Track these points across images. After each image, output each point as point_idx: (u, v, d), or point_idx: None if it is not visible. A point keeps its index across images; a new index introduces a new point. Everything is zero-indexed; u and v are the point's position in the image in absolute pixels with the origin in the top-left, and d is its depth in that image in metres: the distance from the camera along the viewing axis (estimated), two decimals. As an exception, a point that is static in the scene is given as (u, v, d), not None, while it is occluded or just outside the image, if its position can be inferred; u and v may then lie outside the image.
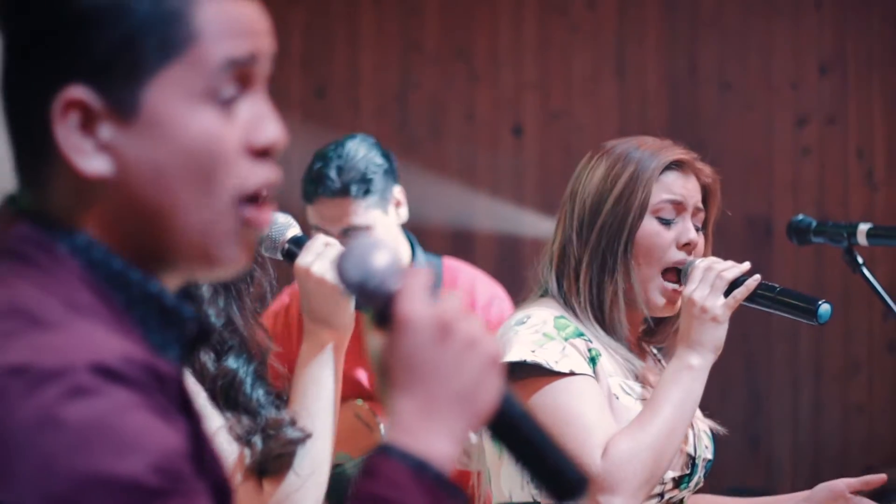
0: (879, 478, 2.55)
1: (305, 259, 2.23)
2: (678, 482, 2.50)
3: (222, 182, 1.20)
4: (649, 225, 2.54)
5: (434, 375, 1.21)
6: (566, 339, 2.44)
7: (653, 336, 2.65)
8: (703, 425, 2.62)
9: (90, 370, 1.08)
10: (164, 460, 1.08)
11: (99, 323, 1.16)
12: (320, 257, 2.23)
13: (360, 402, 3.53)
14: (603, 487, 2.33)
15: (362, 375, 3.60)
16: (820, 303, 2.48)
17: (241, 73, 1.22)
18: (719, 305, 2.45)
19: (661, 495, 2.47)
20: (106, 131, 1.17)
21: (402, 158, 3.94)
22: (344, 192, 3.51)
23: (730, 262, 2.52)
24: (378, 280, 1.24)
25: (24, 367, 1.08)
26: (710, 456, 2.59)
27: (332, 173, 3.52)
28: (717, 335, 2.46)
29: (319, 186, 3.51)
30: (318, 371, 2.25)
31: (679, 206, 2.55)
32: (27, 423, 1.06)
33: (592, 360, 2.46)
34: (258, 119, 1.23)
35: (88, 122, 1.17)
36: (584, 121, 5.59)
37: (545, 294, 2.56)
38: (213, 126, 1.20)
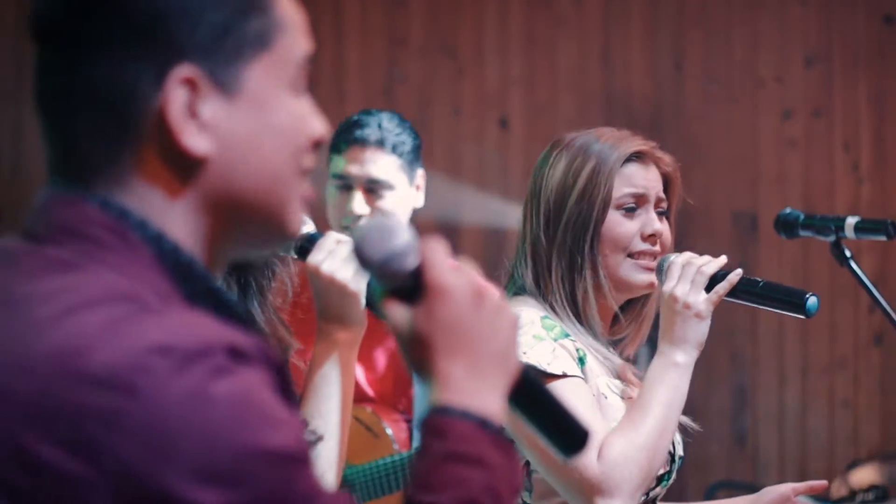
0: (821, 484, 2.56)
1: (316, 257, 2.21)
2: (660, 479, 2.49)
3: (300, 164, 1.28)
4: (613, 217, 2.52)
5: (476, 338, 1.28)
6: (555, 340, 2.43)
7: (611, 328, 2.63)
8: None
9: (226, 351, 1.12)
10: (299, 432, 1.15)
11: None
12: (331, 255, 2.21)
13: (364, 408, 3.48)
14: (601, 490, 2.31)
15: (361, 377, 3.56)
16: (808, 296, 2.47)
17: (305, 70, 1.30)
18: (702, 301, 2.43)
19: (647, 493, 2.46)
20: (208, 109, 1.21)
21: (387, 152, 3.92)
22: (380, 143, 3.51)
23: (707, 257, 2.49)
24: (401, 258, 1.29)
25: (169, 346, 1.10)
26: (682, 452, 2.58)
27: (373, 124, 3.53)
28: (701, 331, 2.44)
29: (357, 131, 3.51)
30: (329, 371, 2.24)
31: (641, 198, 2.55)
32: (181, 400, 1.09)
33: (581, 361, 2.45)
34: (313, 113, 1.31)
35: (193, 102, 1.21)
36: (570, 114, 5.57)
37: (520, 292, 2.55)
38: (299, 111, 1.28)
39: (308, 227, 2.24)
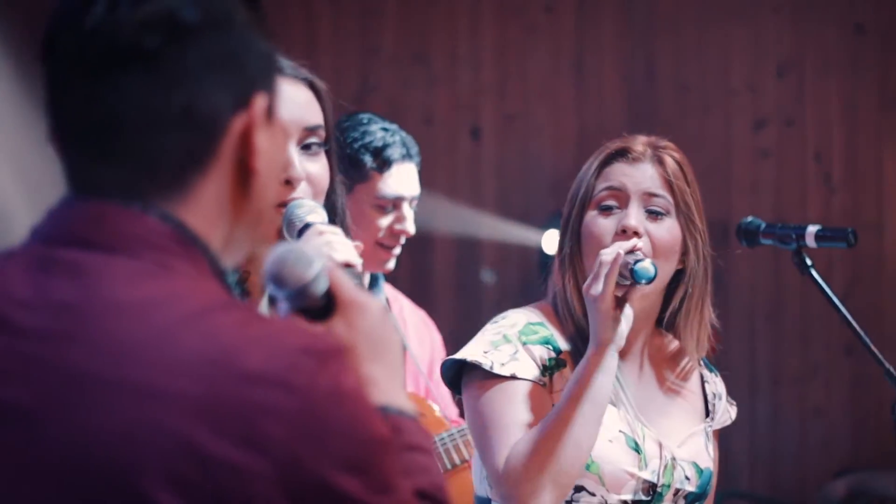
0: None
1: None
2: None
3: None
4: (589, 217, 2.49)
5: (388, 346, 1.45)
6: (525, 344, 2.43)
7: None
8: (689, 456, 2.53)
9: (340, 351, 1.25)
10: None
11: None
12: (309, 243, 2.22)
13: None
14: (504, 492, 2.33)
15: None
16: (637, 261, 2.37)
17: None
18: (596, 291, 2.37)
19: None
20: (262, 137, 1.33)
21: (356, 161, 3.91)
22: (413, 157, 3.47)
23: (615, 245, 2.41)
24: (316, 282, 1.45)
25: (308, 347, 1.22)
26: (691, 488, 2.50)
27: (406, 136, 3.48)
28: (598, 320, 2.37)
29: (401, 149, 3.43)
30: None
31: (618, 193, 2.49)
32: (326, 396, 1.21)
33: (549, 369, 2.43)
34: None
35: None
36: (542, 123, 5.58)
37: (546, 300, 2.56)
38: None
39: (314, 216, 2.21)
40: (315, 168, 2.14)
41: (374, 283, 3.56)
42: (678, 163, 2.55)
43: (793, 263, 2.88)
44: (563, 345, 2.47)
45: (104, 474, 1.17)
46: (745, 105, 5.58)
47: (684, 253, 2.53)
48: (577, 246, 2.49)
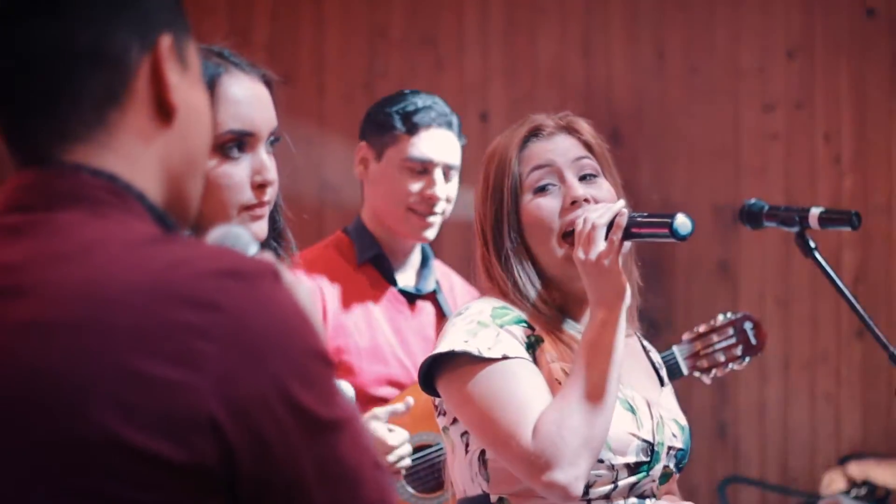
0: None
1: None
2: (634, 469, 2.43)
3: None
4: (528, 202, 2.49)
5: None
6: (502, 327, 2.41)
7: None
8: (670, 414, 2.55)
9: (271, 272, 1.28)
10: None
11: None
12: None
13: None
14: (540, 465, 2.28)
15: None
16: (676, 215, 2.37)
17: None
18: (601, 253, 2.37)
19: (615, 483, 2.41)
20: (175, 76, 1.37)
21: (362, 144, 3.89)
22: (450, 125, 3.46)
23: (602, 207, 2.44)
24: None
25: (235, 269, 1.27)
26: (680, 445, 2.51)
27: (443, 106, 3.46)
28: (610, 283, 2.38)
29: (433, 113, 3.42)
30: None
31: (551, 169, 2.50)
32: (256, 312, 1.25)
33: (531, 346, 2.42)
34: None
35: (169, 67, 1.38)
36: (551, 107, 5.53)
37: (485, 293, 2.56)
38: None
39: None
40: (274, 168, 2.16)
41: (425, 259, 3.55)
42: (589, 125, 2.58)
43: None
44: (533, 321, 2.46)
45: (54, 410, 1.23)
46: (754, 88, 5.56)
47: None
48: (520, 237, 2.49)
